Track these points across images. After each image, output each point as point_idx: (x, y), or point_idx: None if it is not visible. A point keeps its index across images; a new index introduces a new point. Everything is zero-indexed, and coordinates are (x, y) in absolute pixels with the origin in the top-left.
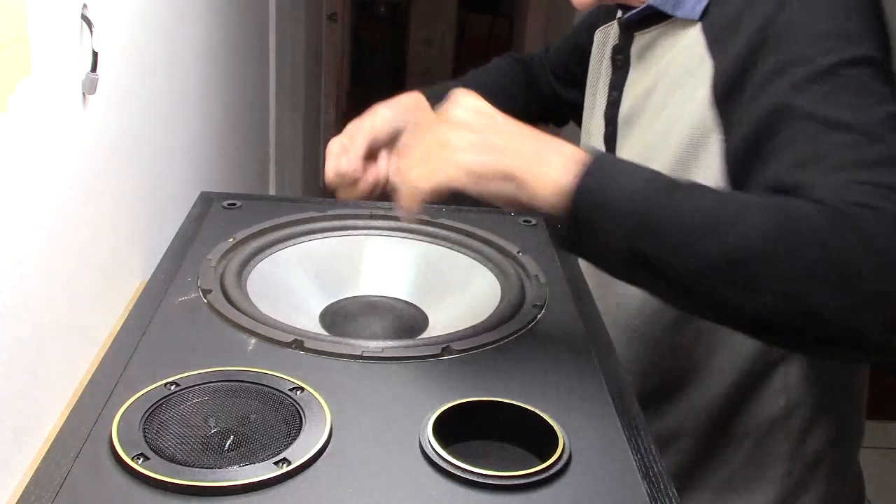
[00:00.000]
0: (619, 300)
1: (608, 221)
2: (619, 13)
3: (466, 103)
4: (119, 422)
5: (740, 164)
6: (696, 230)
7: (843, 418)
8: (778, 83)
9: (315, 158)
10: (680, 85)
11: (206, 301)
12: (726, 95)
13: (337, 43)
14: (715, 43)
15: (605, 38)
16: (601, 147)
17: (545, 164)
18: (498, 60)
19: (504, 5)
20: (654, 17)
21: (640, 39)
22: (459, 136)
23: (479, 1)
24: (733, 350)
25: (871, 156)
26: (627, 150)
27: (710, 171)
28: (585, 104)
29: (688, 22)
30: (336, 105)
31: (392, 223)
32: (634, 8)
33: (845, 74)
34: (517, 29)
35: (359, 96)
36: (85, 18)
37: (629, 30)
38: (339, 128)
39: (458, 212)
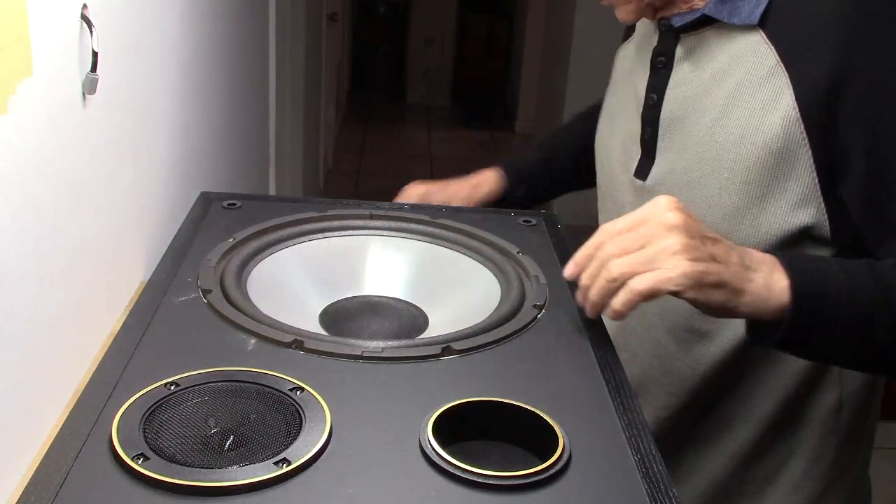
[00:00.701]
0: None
1: (831, 328)
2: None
3: (674, 205)
4: (119, 422)
5: (861, 197)
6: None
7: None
8: (884, 102)
9: (315, 158)
10: (749, 92)
11: (206, 301)
12: (817, 112)
13: (337, 43)
14: (788, 53)
15: (627, 54)
16: (637, 149)
17: (754, 273)
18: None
19: (504, 5)
20: (704, 21)
21: (687, 41)
22: (685, 243)
23: (479, 1)
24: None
25: None
26: (674, 152)
27: (799, 183)
28: (600, 130)
29: (742, 27)
30: (336, 105)
31: (392, 223)
32: (679, 14)
33: None
34: (517, 29)
35: (359, 96)
36: (85, 18)
37: (674, 32)
38: (339, 128)
39: (458, 212)
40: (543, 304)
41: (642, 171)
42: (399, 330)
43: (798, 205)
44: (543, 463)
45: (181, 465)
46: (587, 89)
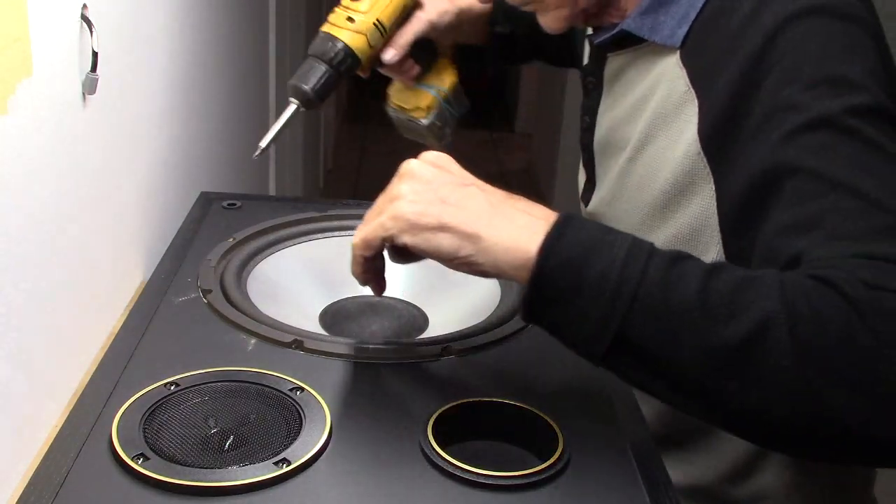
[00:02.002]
0: None
1: (582, 299)
2: (589, 30)
3: (427, 157)
4: (119, 422)
5: (737, 221)
6: (694, 315)
7: None
8: (769, 133)
9: (315, 158)
10: (665, 121)
11: (206, 301)
12: (715, 141)
13: None
14: (698, 78)
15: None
16: (583, 175)
17: (507, 223)
18: None
19: None
20: (627, 39)
21: (613, 62)
22: (411, 187)
23: None
24: None
25: (877, 224)
26: (607, 183)
27: (702, 217)
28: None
29: (665, 48)
30: (336, 105)
31: None
32: (606, 28)
33: (845, 125)
34: None
35: (359, 96)
36: (85, 18)
37: (601, 50)
38: (339, 128)
39: None
40: None
41: (586, 195)
42: (399, 330)
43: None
44: (543, 463)
45: (181, 465)
46: None
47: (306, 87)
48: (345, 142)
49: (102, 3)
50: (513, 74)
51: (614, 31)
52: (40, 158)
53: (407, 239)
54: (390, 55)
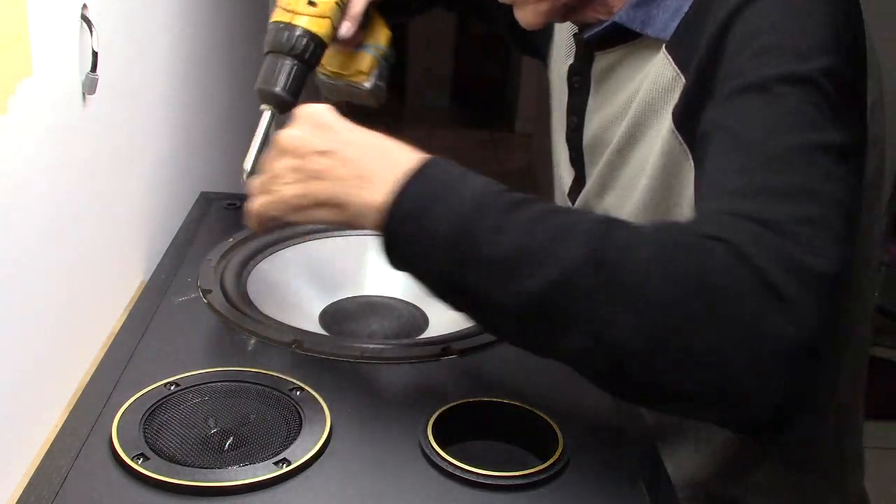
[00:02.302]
0: None
1: (422, 247)
2: (574, 29)
3: (303, 118)
4: (119, 422)
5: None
6: (512, 264)
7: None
8: (715, 100)
9: None
10: (653, 109)
11: (206, 301)
12: (686, 117)
13: None
14: (685, 62)
15: (554, 56)
16: (569, 172)
17: (367, 184)
18: None
19: None
20: (617, 36)
21: (601, 60)
22: (283, 164)
23: None
24: None
25: (762, 184)
26: (596, 177)
27: (691, 200)
28: (553, 135)
29: (655, 42)
30: (335, 105)
31: None
32: (591, 25)
33: (777, 92)
34: None
35: None
36: (85, 18)
37: (588, 49)
38: None
39: None
40: None
41: (573, 193)
42: (399, 330)
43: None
44: (543, 463)
45: (181, 465)
46: None
47: (276, 89)
48: None
49: (102, 3)
50: (513, 74)
51: (605, 25)
52: (40, 158)
53: (292, 218)
54: (346, 29)
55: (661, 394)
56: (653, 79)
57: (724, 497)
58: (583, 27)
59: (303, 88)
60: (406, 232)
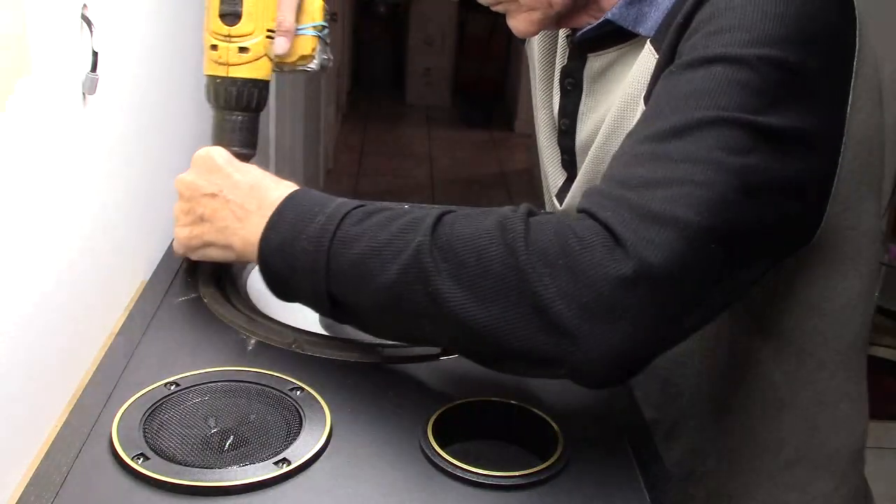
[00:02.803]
0: None
1: (291, 273)
2: (567, 31)
3: (196, 162)
4: (119, 422)
5: None
6: (367, 266)
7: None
8: (665, 73)
9: (315, 158)
10: (637, 102)
11: (206, 301)
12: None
13: (337, 43)
14: (660, 47)
15: (533, 54)
16: (559, 173)
17: (246, 224)
18: None
19: None
20: (610, 38)
21: (594, 62)
22: (178, 207)
23: None
24: None
25: (644, 155)
26: (585, 176)
27: None
28: (534, 100)
29: (645, 41)
30: (336, 105)
31: None
32: (582, 28)
33: (711, 69)
34: None
35: (359, 96)
36: (85, 18)
37: (581, 50)
38: (339, 128)
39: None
40: None
41: (562, 194)
42: None
43: None
44: (543, 463)
45: (181, 465)
46: None
47: (235, 149)
48: (345, 142)
49: (102, 3)
50: (513, 74)
51: (599, 22)
52: (40, 158)
53: (192, 256)
54: (282, 46)
55: (521, 361)
56: (636, 71)
57: (723, 492)
58: (575, 29)
59: (258, 130)
60: (276, 265)
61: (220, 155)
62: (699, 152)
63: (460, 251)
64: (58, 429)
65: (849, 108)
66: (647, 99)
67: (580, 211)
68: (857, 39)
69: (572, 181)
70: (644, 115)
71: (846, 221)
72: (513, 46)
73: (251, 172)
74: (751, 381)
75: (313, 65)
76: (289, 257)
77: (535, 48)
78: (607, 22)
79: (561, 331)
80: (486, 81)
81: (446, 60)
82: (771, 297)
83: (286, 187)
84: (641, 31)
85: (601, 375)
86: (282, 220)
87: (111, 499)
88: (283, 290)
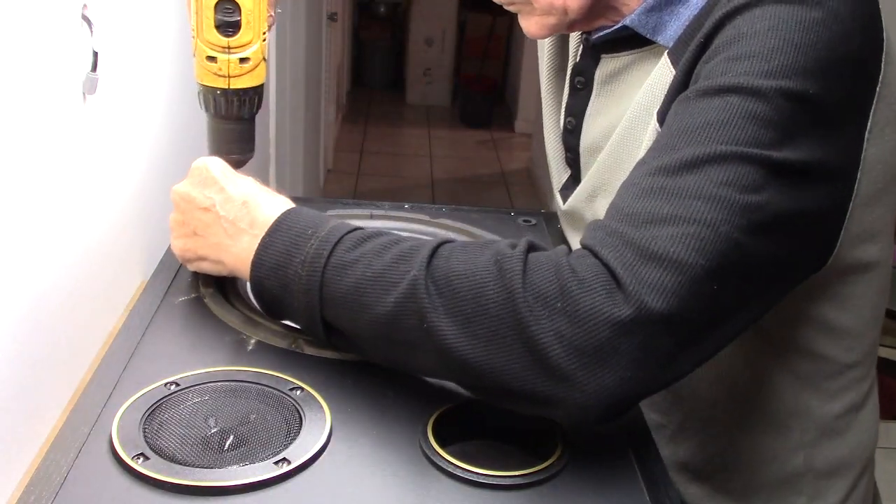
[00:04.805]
0: None
1: (284, 293)
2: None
3: (193, 173)
4: (119, 422)
5: None
6: (362, 295)
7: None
8: (681, 96)
9: (315, 158)
10: (650, 114)
11: (206, 301)
12: (666, 114)
13: (337, 43)
14: (677, 62)
15: (559, 39)
16: (563, 169)
17: (237, 242)
18: None
19: None
20: (626, 42)
21: (607, 63)
22: (173, 219)
23: (479, 1)
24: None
25: (651, 189)
26: (588, 179)
27: None
28: (542, 92)
29: (663, 51)
30: (336, 105)
31: (392, 223)
32: (596, 31)
33: (727, 99)
34: (517, 29)
35: (359, 96)
36: (85, 18)
37: (595, 50)
38: (339, 128)
39: (458, 211)
40: None
41: (566, 191)
42: None
43: None
44: (543, 463)
45: (181, 464)
46: None
47: (235, 156)
48: (345, 142)
49: (102, 3)
50: (513, 74)
51: (616, 27)
52: (40, 158)
53: (188, 267)
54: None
55: (508, 395)
56: (651, 82)
57: (723, 490)
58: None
59: (255, 132)
60: (269, 285)
61: (217, 167)
62: (709, 189)
63: (457, 287)
64: (58, 429)
65: (867, 133)
66: (660, 115)
67: (583, 245)
68: (881, 64)
69: (574, 178)
70: (656, 142)
71: (863, 242)
72: (513, 46)
73: (245, 186)
74: (761, 389)
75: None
76: (282, 280)
77: (546, 41)
78: (624, 27)
79: (557, 374)
80: (486, 81)
81: (446, 60)
82: (784, 314)
83: (279, 205)
84: (659, 40)
85: (595, 417)
86: (274, 241)
87: (111, 499)
88: (276, 310)
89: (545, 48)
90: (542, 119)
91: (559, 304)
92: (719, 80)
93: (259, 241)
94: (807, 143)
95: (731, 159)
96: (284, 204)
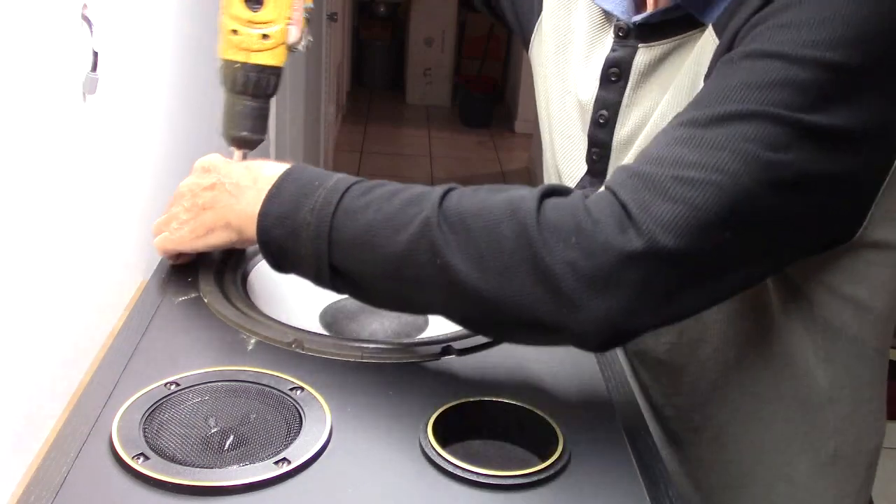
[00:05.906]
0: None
1: (292, 242)
2: (618, 15)
3: (196, 169)
4: (119, 422)
5: None
6: (374, 236)
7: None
8: (725, 58)
9: (315, 159)
10: (695, 88)
11: (206, 301)
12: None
13: (337, 43)
14: (722, 30)
15: (547, 39)
16: (580, 167)
17: (242, 199)
18: None
19: None
20: (670, 26)
21: (645, 53)
22: (178, 206)
23: None
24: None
25: (674, 133)
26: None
27: None
28: (544, 90)
29: (701, 34)
30: (336, 105)
31: None
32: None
33: (768, 64)
34: None
35: (359, 96)
36: (85, 18)
37: (629, 37)
38: (339, 128)
39: None
40: None
41: (582, 188)
42: (399, 330)
43: None
44: (543, 463)
45: (181, 464)
46: None
47: (245, 134)
48: (345, 142)
49: (102, 3)
50: (513, 74)
51: (668, 7)
52: (40, 158)
53: (194, 246)
54: (295, 35)
55: (516, 324)
56: (691, 62)
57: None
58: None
59: (269, 117)
60: (276, 234)
61: (218, 158)
62: (734, 142)
63: (471, 225)
64: (58, 429)
65: None
66: (706, 79)
67: (606, 186)
68: None
69: (594, 175)
70: (695, 98)
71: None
72: (513, 47)
73: (248, 162)
74: (792, 375)
75: (301, 46)
76: (289, 228)
77: (548, 32)
78: (676, 7)
79: (565, 301)
80: (486, 81)
81: (446, 60)
82: (817, 290)
83: (282, 165)
84: (707, 20)
85: (595, 343)
86: (281, 192)
87: (111, 498)
88: (281, 260)
89: (549, 42)
90: (541, 119)
91: (573, 239)
92: (765, 46)
93: (265, 193)
94: (842, 112)
95: (762, 118)
96: (283, 164)
